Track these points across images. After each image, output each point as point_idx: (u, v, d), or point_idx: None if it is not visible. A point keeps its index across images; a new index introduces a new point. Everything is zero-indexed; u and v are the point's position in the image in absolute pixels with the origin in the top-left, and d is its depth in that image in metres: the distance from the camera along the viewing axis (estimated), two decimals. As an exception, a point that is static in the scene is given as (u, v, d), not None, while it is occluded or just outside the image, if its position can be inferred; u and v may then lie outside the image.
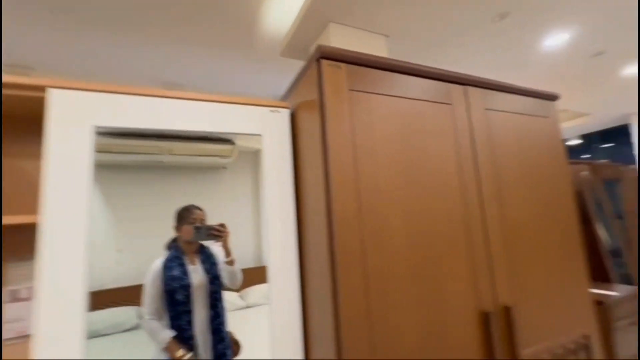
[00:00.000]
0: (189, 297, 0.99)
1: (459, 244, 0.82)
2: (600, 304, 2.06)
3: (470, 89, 0.96)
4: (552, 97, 1.20)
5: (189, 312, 0.99)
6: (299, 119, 0.88)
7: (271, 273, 0.81)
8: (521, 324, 0.87)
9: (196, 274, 1.02)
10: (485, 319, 0.80)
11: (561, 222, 1.08)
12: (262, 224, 0.82)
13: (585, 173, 2.77)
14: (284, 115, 0.89)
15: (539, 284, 0.95)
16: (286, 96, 0.98)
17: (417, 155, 0.82)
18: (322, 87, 0.74)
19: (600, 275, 2.59)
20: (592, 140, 5.72)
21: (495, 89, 1.03)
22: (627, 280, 2.74)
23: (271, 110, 0.86)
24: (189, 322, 0.98)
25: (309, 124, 0.81)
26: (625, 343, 2.05)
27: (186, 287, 0.99)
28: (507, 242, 0.92)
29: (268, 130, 0.85)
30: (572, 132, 5.30)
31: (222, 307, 1.04)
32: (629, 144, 4.45)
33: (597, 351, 1.03)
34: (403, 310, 0.72)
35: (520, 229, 0.96)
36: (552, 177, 1.12)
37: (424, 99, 0.87)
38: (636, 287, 2.26)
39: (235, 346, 1.05)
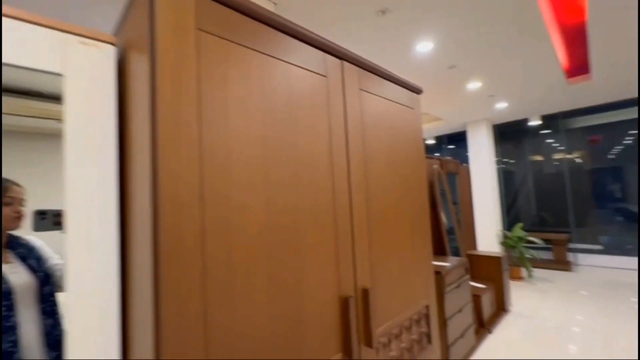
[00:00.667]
0: (10, 308, 0.75)
1: (325, 230, 0.77)
2: (438, 274, 2.52)
3: (347, 64, 0.92)
4: (418, 90, 1.29)
5: (12, 329, 0.74)
6: (129, 62, 0.65)
7: (72, 255, 0.57)
8: (377, 304, 0.89)
9: (16, 275, 0.78)
10: (345, 304, 0.78)
11: (416, 207, 1.18)
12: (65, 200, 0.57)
13: (435, 166, 3.33)
14: (106, 53, 0.64)
15: (394, 264, 1.00)
16: (117, 29, 0.72)
17: (284, 127, 0.71)
18: (154, 18, 0.53)
19: (439, 250, 3.19)
20: (442, 141, 7.04)
21: (370, 71, 1.01)
22: (456, 253, 3.47)
23: (81, 43, 0.60)
24: (14, 343, 0.73)
25: (138, 69, 0.59)
26: (451, 304, 2.58)
27: (5, 295, 0.75)
28: (371, 226, 0.93)
29: (75, 70, 0.59)
30: (428, 133, 6.37)
31: (59, 314, 0.84)
32: (465, 146, 5.62)
33: (434, 315, 1.19)
34: (254, 303, 0.61)
35: (382, 213, 0.99)
36: (412, 166, 1.21)
37: (299, 64, 0.77)
38: (462, 258, 2.90)
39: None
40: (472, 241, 5.06)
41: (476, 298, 3.13)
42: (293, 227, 0.69)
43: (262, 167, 0.65)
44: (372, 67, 1.01)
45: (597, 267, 5.22)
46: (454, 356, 2.38)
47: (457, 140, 6.70)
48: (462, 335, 2.54)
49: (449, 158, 3.72)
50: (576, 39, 2.82)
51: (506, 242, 4.81)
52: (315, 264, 0.72)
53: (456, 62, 2.87)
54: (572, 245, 5.49)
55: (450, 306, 2.41)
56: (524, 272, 4.72)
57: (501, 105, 4.32)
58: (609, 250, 5.49)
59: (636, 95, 4.66)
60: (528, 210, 6.49)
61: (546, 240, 5.44)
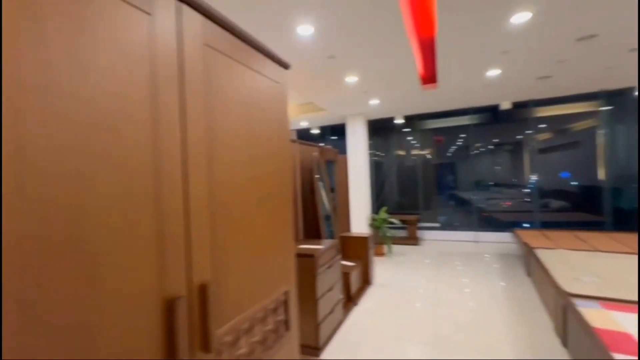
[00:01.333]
0: None
1: (139, 223, 0.59)
2: (311, 257, 2.62)
3: (188, 9, 0.74)
4: (285, 65, 1.21)
5: None
6: None
7: None
8: (222, 300, 0.78)
9: None
10: (170, 307, 0.63)
11: (278, 189, 1.12)
12: None
13: (315, 154, 3.46)
14: None
15: (246, 252, 0.91)
16: None
17: (63, 71, 0.50)
18: None
19: (316, 234, 3.35)
20: (326, 131, 7.45)
21: (223, 26, 0.86)
22: (331, 236, 3.73)
23: None
24: None
25: None
26: (323, 284, 2.74)
27: None
28: (215, 212, 0.79)
29: None
30: (314, 123, 6.64)
31: None
32: (344, 138, 6.09)
33: (294, 301, 1.16)
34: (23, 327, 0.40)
35: (233, 196, 0.87)
36: (276, 145, 1.13)
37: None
38: (335, 240, 3.14)
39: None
40: (347, 224, 5.56)
41: (346, 275, 3.44)
42: (76, 227, 0.49)
43: (44, 138, 0.43)
44: (225, 22, 0.86)
45: (437, 240, 6.56)
46: (323, 331, 2.54)
47: (340, 132, 7.23)
48: (331, 311, 2.73)
49: (328, 147, 3.91)
50: (428, 51, 3.33)
51: (373, 224, 5.49)
52: (117, 267, 0.55)
53: (335, 52, 2.98)
54: (420, 225, 6.73)
55: (321, 286, 2.54)
56: (386, 248, 5.50)
57: (374, 102, 4.82)
58: (444, 227, 6.97)
59: (467, 106, 5.97)
60: (392, 196, 7.61)
61: (403, 221, 6.49)
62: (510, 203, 7.09)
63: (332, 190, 4.01)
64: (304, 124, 6.56)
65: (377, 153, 7.69)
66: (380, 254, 5.50)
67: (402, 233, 6.62)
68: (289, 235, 1.17)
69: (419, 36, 3.08)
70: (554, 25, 2.67)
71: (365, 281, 3.98)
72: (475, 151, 6.90)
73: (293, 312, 1.11)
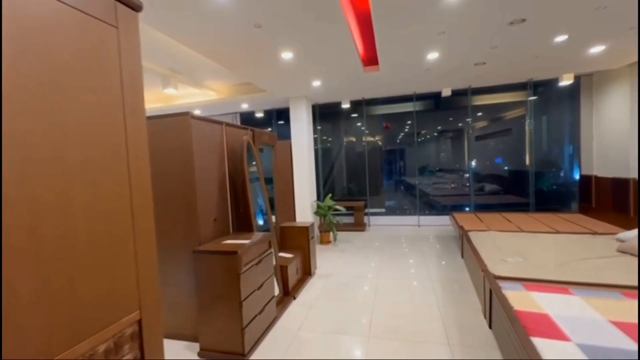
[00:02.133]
0: None
1: None
2: (234, 254, 2.34)
3: None
4: (132, 4, 0.88)
5: None
6: None
7: None
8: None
9: None
10: None
11: (130, 181, 0.81)
12: None
13: (246, 137, 3.12)
14: None
15: (61, 278, 0.60)
16: None
17: None
18: None
19: (246, 227, 3.06)
20: (271, 115, 7.06)
21: None
22: (267, 229, 3.47)
23: None
24: None
25: None
26: (249, 283, 2.48)
27: None
28: None
29: None
30: (257, 106, 6.20)
31: None
32: (288, 123, 5.78)
33: (152, 329, 0.87)
34: None
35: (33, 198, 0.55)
36: (117, 131, 0.82)
37: None
38: (266, 233, 2.87)
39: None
40: (291, 212, 5.33)
41: (283, 269, 3.22)
42: None
43: None
44: None
45: (383, 225, 6.65)
46: (251, 334, 2.30)
47: (287, 116, 6.88)
48: (262, 311, 2.50)
49: (264, 130, 3.59)
50: (366, 27, 3.13)
51: (318, 211, 5.34)
52: None
53: (261, 20, 2.64)
54: (367, 211, 6.76)
55: (248, 286, 2.28)
56: (332, 236, 5.40)
57: (316, 83, 4.56)
58: (391, 211, 7.09)
59: (411, 92, 5.99)
60: (340, 182, 7.53)
61: (350, 208, 6.46)
62: (452, 186, 7.43)
63: (269, 179, 3.73)
64: (245, 107, 6.10)
65: (325, 138, 7.52)
66: (326, 242, 5.39)
67: (348, 219, 6.59)
68: (149, 248, 0.88)
69: (355, 8, 2.85)
70: (487, 6, 2.62)
71: (306, 272, 3.81)
72: (421, 138, 7.05)
73: (152, 342, 0.83)
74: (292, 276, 3.36)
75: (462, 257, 4.25)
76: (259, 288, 2.45)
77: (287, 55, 3.38)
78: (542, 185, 6.22)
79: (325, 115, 7.07)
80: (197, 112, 5.45)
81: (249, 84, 5.22)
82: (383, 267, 4.05)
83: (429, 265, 4.06)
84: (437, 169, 7.79)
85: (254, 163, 3.14)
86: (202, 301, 2.27)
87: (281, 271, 3.20)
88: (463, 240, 4.18)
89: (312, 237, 3.93)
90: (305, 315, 2.88)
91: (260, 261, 2.51)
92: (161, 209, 2.54)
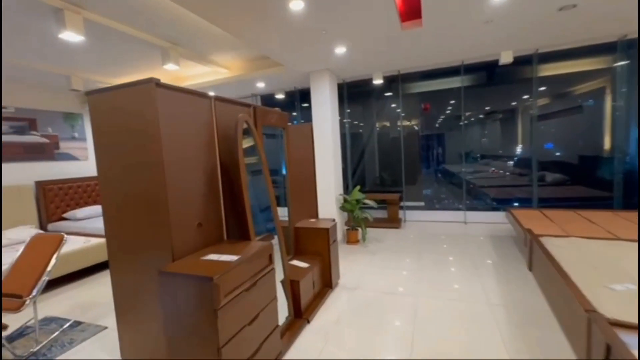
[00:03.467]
0: None
1: None
2: (209, 280, 1.65)
3: None
4: None
5: None
6: None
7: None
8: None
9: None
10: None
11: None
12: None
13: (242, 115, 2.41)
14: None
15: None
16: None
17: None
18: None
19: (241, 234, 2.37)
20: (294, 97, 6.32)
21: None
22: (274, 231, 2.76)
23: None
24: None
25: None
26: (234, 318, 1.80)
27: None
28: None
29: None
30: (275, 85, 5.47)
31: None
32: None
33: None
34: None
35: None
36: None
37: None
38: (264, 243, 2.13)
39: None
40: (312, 208, 4.63)
41: (294, 284, 2.53)
42: None
43: None
44: None
45: (421, 221, 5.73)
46: (240, 386, 1.64)
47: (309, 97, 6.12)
48: (258, 349, 1.83)
49: (272, 108, 2.86)
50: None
51: (345, 207, 4.58)
52: None
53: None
54: (402, 204, 5.87)
55: (231, 322, 1.61)
56: (360, 235, 4.63)
57: (340, 50, 3.72)
58: (431, 205, 6.14)
59: (459, 59, 4.92)
60: (372, 172, 6.67)
61: (382, 201, 5.61)
62: (499, 175, 6.26)
63: (271, 170, 3.03)
64: (261, 86, 5.41)
65: (358, 124, 6.67)
66: (353, 241, 4.63)
67: (380, 214, 5.76)
68: None
69: None
70: None
71: (326, 284, 3.10)
72: (465, 121, 5.95)
73: None
74: (307, 292, 2.67)
75: (530, 269, 3.28)
76: (251, 322, 1.78)
77: (296, 4, 2.58)
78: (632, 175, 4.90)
79: (355, 95, 6.19)
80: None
81: (264, 59, 4.50)
82: (423, 279, 3.23)
83: (484, 278, 3.16)
84: (480, 155, 6.62)
85: (257, 149, 2.44)
86: (172, 343, 1.64)
87: (291, 287, 2.52)
88: (532, 249, 3.21)
89: (334, 241, 3.20)
90: (320, 349, 2.18)
91: (254, 284, 1.82)
92: (124, 211, 1.93)
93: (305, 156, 4.54)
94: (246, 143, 2.40)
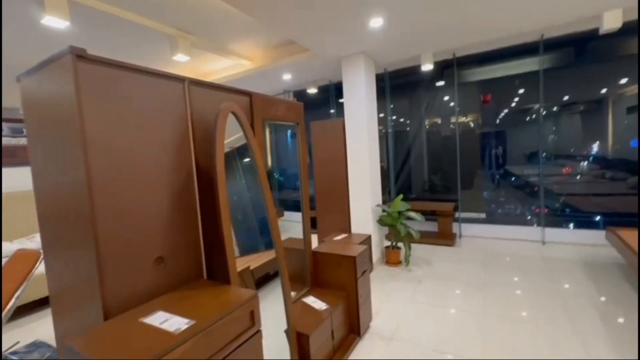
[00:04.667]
0: None
1: None
2: None
3: None
4: None
5: None
6: None
7: None
8: None
9: None
10: None
11: None
12: None
13: (227, 105, 1.72)
14: None
15: None
16: None
17: None
18: None
19: (220, 274, 1.68)
20: (328, 92, 5.62)
21: None
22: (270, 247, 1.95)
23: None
24: None
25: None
26: None
27: None
28: None
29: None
30: (304, 76, 4.80)
31: None
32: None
33: None
34: None
35: None
36: None
37: None
38: (248, 292, 1.41)
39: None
40: (343, 221, 3.89)
41: (302, 339, 1.83)
42: None
43: None
44: None
45: (481, 238, 4.65)
46: None
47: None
48: None
49: (277, 97, 2.19)
50: None
51: (384, 220, 3.75)
52: None
53: None
54: (457, 215, 4.83)
55: None
56: (403, 255, 3.78)
57: (376, 22, 2.92)
58: (491, 219, 5.01)
59: (539, 37, 3.81)
60: (419, 176, 5.71)
61: (431, 212, 4.66)
62: (578, 180, 4.87)
63: (273, 176, 2.35)
64: (287, 78, 4.79)
65: (404, 121, 5.78)
66: (393, 262, 3.79)
67: (431, 226, 4.80)
68: None
69: None
70: None
71: (352, 330, 2.34)
72: (533, 115, 4.70)
73: None
74: (322, 347, 1.95)
75: (666, 330, 2.17)
76: None
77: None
78: None
79: (399, 88, 5.30)
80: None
81: (289, 45, 3.88)
82: (487, 332, 2.30)
83: (588, 338, 2.14)
84: (551, 155, 5.23)
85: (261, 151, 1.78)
86: None
87: (298, 342, 1.82)
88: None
89: (365, 272, 2.43)
90: None
91: (220, 363, 1.16)
92: (54, 245, 1.41)
93: (334, 157, 3.83)
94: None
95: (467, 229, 4.80)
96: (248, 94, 1.87)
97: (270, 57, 4.10)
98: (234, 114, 1.66)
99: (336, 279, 2.35)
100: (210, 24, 3.19)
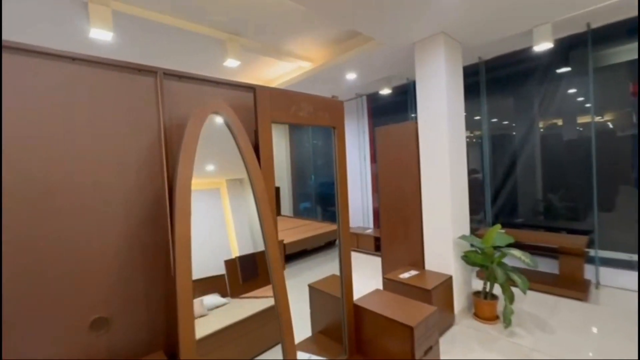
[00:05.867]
0: None
1: None
2: None
3: None
4: None
5: None
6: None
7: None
8: None
9: None
10: None
11: None
12: None
13: (215, 103, 1.08)
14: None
15: None
16: None
17: None
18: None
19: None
20: (407, 93, 4.79)
21: None
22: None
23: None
24: None
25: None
26: None
27: None
28: None
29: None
30: (370, 74, 4.08)
31: None
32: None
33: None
34: None
35: None
36: None
37: None
38: None
39: None
40: (414, 252, 3.05)
41: None
42: None
43: None
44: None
45: (632, 291, 3.12)
46: None
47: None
48: None
49: (304, 93, 1.61)
50: None
51: (470, 257, 2.75)
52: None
53: None
54: (593, 252, 3.37)
55: None
56: (501, 308, 2.70)
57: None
58: (653, 260, 3.35)
59: None
60: (529, 194, 4.32)
61: (547, 250, 3.36)
62: None
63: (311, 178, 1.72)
64: (352, 78, 4.16)
65: (509, 124, 4.53)
66: (487, 317, 2.74)
67: (548, 266, 3.48)
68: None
69: None
70: None
71: None
72: None
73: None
74: None
75: None
76: None
77: None
78: None
79: (500, 80, 4.13)
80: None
81: (352, 37, 3.29)
82: None
83: None
84: None
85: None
86: None
87: None
88: None
89: (431, 349, 1.62)
90: None
91: None
92: None
93: (403, 169, 3.05)
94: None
95: (609, 276, 3.30)
96: (251, 88, 1.35)
97: (330, 54, 3.59)
98: (222, 116, 1.16)
99: (385, 350, 1.62)
100: (260, 23, 2.86)
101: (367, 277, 3.78)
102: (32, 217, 0.91)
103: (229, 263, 1.27)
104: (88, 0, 2.24)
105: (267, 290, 1.30)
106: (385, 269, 3.28)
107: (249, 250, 1.35)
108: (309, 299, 2.14)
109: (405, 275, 2.74)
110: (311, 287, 2.12)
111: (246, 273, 1.32)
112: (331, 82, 4.28)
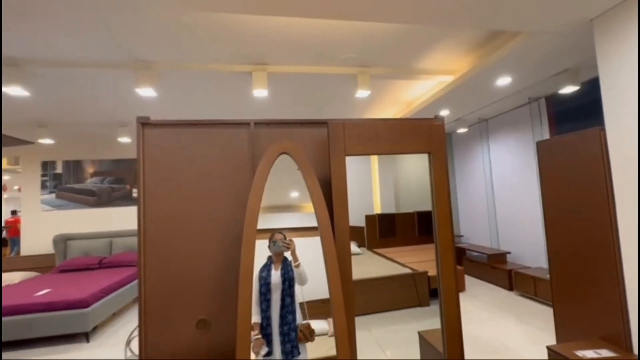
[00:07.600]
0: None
1: None
2: None
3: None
4: None
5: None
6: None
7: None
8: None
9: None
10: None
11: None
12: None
13: (280, 144, 1.26)
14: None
15: None
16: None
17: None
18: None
19: None
20: (593, 90, 3.44)
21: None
22: None
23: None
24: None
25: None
26: None
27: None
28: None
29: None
30: (529, 73, 3.14)
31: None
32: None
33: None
34: None
35: None
36: None
37: None
38: None
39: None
40: (611, 316, 2.12)
41: None
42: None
43: None
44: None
45: None
46: None
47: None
48: None
49: (385, 119, 1.49)
50: None
51: None
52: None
53: None
54: None
55: None
56: None
57: None
58: None
59: None
60: None
61: None
62: None
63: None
64: (505, 82, 3.32)
65: None
66: None
67: None
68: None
69: None
70: None
71: None
72: None
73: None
74: None
75: None
76: None
77: None
78: None
79: None
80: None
81: (492, 39, 2.75)
82: None
83: None
84: None
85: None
86: None
87: None
88: None
89: None
90: None
91: None
92: None
93: (583, 197, 2.23)
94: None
95: None
96: (324, 123, 1.40)
97: (468, 64, 3.11)
98: (288, 153, 1.28)
99: None
100: (387, 50, 2.89)
101: (536, 336, 2.89)
102: (168, 237, 1.32)
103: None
104: (252, 70, 2.99)
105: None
106: (559, 333, 2.39)
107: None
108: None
109: (588, 354, 1.90)
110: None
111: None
112: (481, 92, 3.68)
